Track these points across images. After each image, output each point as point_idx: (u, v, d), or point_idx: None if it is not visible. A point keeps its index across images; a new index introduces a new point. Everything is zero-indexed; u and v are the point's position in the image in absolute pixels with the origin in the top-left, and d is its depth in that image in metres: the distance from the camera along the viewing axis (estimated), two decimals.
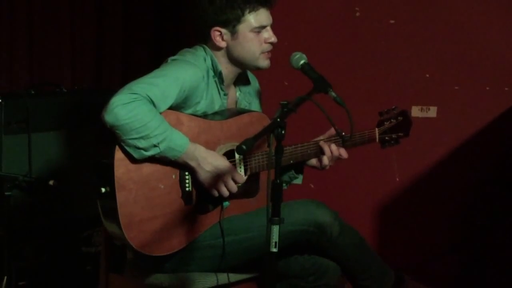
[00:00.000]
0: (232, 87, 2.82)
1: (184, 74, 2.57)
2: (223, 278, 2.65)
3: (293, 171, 2.84)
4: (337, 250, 2.66)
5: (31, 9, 4.09)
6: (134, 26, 4.53)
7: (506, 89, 3.59)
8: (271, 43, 2.69)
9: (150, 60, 4.56)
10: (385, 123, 2.85)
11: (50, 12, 4.17)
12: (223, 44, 2.68)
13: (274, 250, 2.17)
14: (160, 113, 2.49)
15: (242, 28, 2.65)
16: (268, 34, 2.68)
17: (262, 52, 2.69)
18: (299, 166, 2.83)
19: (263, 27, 2.67)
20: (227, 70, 2.72)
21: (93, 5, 4.35)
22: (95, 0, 4.36)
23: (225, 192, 2.58)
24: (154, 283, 2.69)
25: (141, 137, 2.43)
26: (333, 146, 2.73)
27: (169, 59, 2.67)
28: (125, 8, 4.48)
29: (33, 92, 3.44)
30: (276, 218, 2.16)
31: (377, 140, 2.86)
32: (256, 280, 2.79)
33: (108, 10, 4.41)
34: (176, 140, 2.49)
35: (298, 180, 2.88)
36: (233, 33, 2.66)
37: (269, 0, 2.67)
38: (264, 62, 2.71)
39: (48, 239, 3.44)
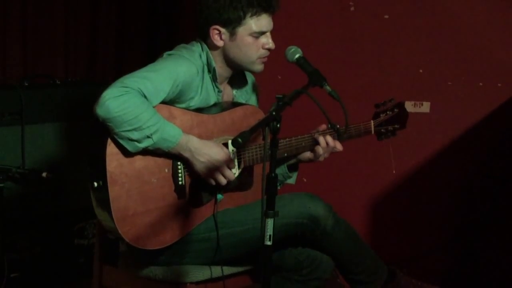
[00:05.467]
0: (229, 86, 2.81)
1: (178, 69, 2.56)
2: (217, 271, 2.65)
3: (286, 169, 2.81)
4: (331, 244, 2.66)
5: (24, 1, 4.07)
6: (128, 19, 4.51)
7: (499, 85, 3.59)
8: (268, 49, 2.68)
9: (144, 52, 4.56)
10: (381, 115, 2.84)
11: (44, 3, 4.15)
12: (220, 43, 2.66)
13: (269, 243, 2.17)
14: (153, 107, 2.48)
15: (242, 30, 2.63)
16: (267, 40, 2.66)
17: (259, 57, 2.68)
18: (294, 164, 2.82)
19: (263, 32, 2.65)
20: (221, 69, 2.71)
21: None
22: None
23: (222, 181, 2.57)
24: (148, 275, 2.69)
25: (134, 129, 2.42)
26: (329, 138, 2.71)
27: (165, 53, 2.66)
28: (119, 0, 4.46)
29: (26, 83, 3.43)
30: (271, 211, 2.16)
31: (373, 132, 2.84)
32: (250, 273, 2.80)
33: (103, 2, 4.39)
34: (169, 131, 2.48)
35: (292, 180, 2.86)
36: (232, 34, 2.64)
37: (273, 6, 2.64)
38: (258, 67, 2.70)
39: (41, 231, 3.44)
